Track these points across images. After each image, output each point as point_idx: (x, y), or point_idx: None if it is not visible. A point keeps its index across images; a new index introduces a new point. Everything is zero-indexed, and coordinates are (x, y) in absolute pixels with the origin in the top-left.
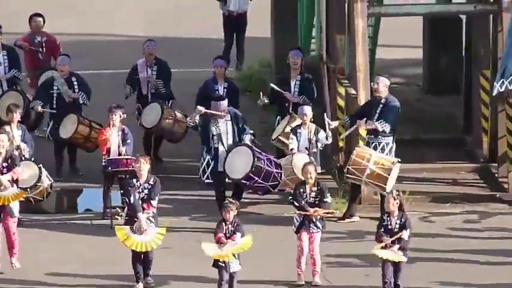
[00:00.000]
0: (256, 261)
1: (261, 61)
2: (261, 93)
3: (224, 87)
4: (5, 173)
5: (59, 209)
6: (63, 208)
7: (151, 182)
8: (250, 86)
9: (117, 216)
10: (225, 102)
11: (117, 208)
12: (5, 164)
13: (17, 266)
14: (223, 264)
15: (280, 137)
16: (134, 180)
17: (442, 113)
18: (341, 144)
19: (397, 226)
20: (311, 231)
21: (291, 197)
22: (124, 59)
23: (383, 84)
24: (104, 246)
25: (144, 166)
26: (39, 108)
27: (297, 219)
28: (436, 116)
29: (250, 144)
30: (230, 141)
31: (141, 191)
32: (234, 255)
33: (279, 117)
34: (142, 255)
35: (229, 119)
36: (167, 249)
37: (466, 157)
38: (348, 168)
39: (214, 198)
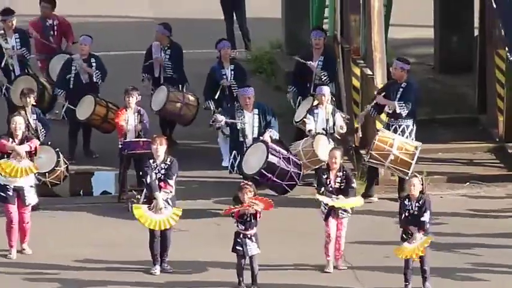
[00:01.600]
0: (275, 244)
1: (271, 42)
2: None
3: (231, 70)
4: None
5: (74, 192)
6: (79, 191)
7: (168, 162)
8: (262, 67)
9: (133, 199)
10: (251, 90)
11: (134, 191)
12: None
13: (28, 252)
14: (242, 249)
15: (305, 120)
16: (151, 161)
17: (455, 92)
18: (356, 124)
19: (416, 209)
20: (340, 216)
21: (316, 185)
22: (128, 40)
23: (401, 69)
24: (121, 229)
25: (160, 147)
26: (63, 100)
27: (324, 207)
28: (449, 96)
29: (266, 141)
30: (255, 135)
31: (157, 171)
32: (252, 238)
33: (300, 97)
34: (160, 238)
35: (257, 112)
36: (185, 232)
37: (480, 137)
38: (370, 153)
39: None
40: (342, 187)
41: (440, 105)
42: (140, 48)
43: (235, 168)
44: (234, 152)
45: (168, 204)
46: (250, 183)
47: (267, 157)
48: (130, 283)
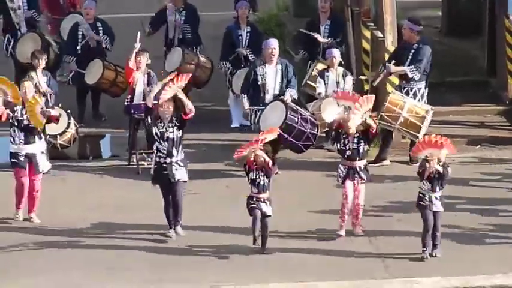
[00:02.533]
0: (284, 207)
1: (278, 4)
2: (289, 49)
3: (247, 32)
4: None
5: (83, 155)
6: (89, 154)
7: (175, 122)
8: (270, 29)
9: (143, 162)
10: (275, 41)
11: (144, 153)
12: None
13: (35, 221)
14: (256, 205)
15: (308, 82)
16: (158, 122)
17: (462, 55)
18: (366, 87)
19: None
20: (356, 181)
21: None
22: (136, 2)
23: (410, 30)
24: (131, 192)
25: (168, 110)
26: (75, 67)
27: (341, 170)
28: (457, 58)
29: (285, 101)
30: (277, 92)
31: (165, 130)
32: (266, 202)
33: (310, 61)
34: (172, 201)
35: (280, 68)
36: (196, 195)
37: (491, 100)
38: (381, 114)
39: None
40: (361, 145)
41: (448, 68)
42: (148, 10)
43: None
44: (255, 107)
45: (180, 166)
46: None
47: (286, 117)
48: (141, 247)
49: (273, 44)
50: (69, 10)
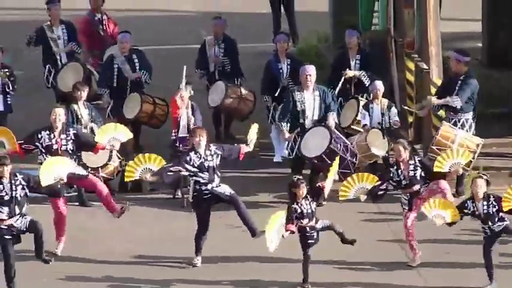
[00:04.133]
0: (331, 238)
1: (319, 36)
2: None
3: (288, 64)
4: (65, 145)
5: (123, 188)
6: (127, 187)
7: (213, 149)
8: (310, 60)
9: (188, 195)
10: (311, 67)
11: (188, 187)
12: (63, 136)
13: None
14: (313, 241)
15: (353, 126)
16: (192, 153)
17: (502, 87)
18: (410, 119)
19: (486, 208)
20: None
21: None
22: (170, 34)
23: (456, 60)
24: (175, 225)
25: (203, 138)
26: (109, 100)
27: (405, 198)
28: (497, 90)
29: (329, 127)
30: (316, 117)
31: (203, 160)
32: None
33: (340, 98)
34: (236, 210)
35: (318, 94)
36: (237, 228)
37: None
38: (431, 147)
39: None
40: (421, 174)
41: (490, 99)
42: (182, 42)
43: (295, 151)
44: (294, 134)
45: (221, 185)
46: (302, 178)
47: (330, 142)
48: (178, 280)
49: (308, 70)
50: (109, 40)
